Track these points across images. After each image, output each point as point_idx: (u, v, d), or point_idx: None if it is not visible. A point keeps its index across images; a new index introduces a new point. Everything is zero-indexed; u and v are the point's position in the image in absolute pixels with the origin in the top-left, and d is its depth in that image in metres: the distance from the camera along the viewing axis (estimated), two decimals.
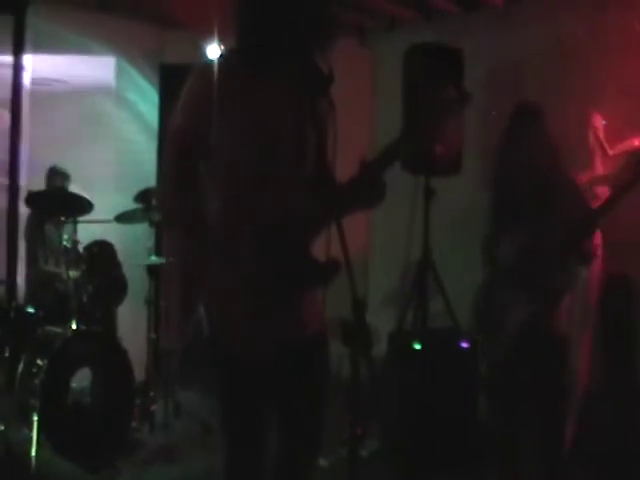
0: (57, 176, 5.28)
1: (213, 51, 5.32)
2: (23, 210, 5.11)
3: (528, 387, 3.35)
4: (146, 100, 6.17)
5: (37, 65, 5.58)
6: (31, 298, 5.05)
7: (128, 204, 4.98)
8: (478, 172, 4.59)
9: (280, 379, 2.25)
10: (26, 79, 5.53)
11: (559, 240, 3.22)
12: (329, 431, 2.35)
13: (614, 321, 4.48)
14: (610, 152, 4.25)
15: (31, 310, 4.67)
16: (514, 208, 3.37)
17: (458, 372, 4.36)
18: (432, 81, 4.17)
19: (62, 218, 4.81)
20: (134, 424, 4.59)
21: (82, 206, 4.76)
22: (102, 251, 5.00)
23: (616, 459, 4.01)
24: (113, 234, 5.20)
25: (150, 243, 5.09)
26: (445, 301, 4.42)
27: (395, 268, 5.40)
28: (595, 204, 3.52)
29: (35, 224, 5.22)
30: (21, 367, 4.33)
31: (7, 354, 4.35)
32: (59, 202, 4.79)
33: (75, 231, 4.69)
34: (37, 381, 4.15)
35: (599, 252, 4.30)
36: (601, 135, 4.30)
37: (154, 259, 5.02)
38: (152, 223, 4.93)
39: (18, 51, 5.45)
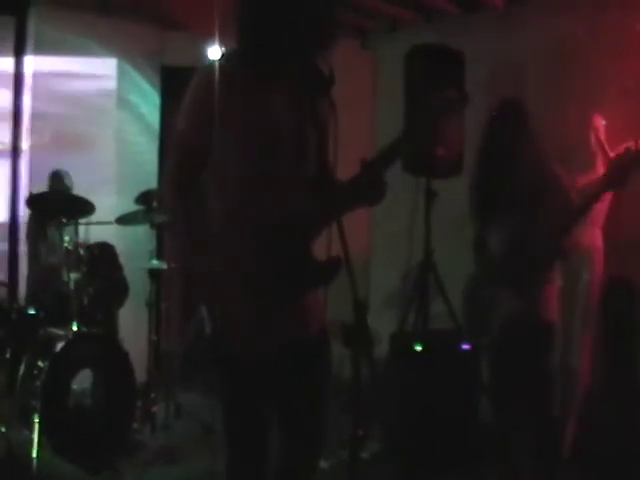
0: (60, 180, 5.27)
1: (214, 52, 5.32)
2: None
3: (518, 382, 3.37)
4: (147, 102, 6.17)
5: (38, 66, 5.58)
6: (32, 298, 5.06)
7: (129, 206, 4.98)
8: None
9: (281, 379, 2.25)
10: (27, 80, 5.54)
11: (542, 237, 3.24)
12: (330, 432, 2.35)
13: (615, 321, 4.48)
14: (611, 154, 4.25)
15: (32, 312, 4.66)
16: (498, 206, 3.41)
17: (459, 373, 4.35)
18: (433, 82, 4.17)
19: (63, 220, 4.81)
20: (135, 425, 4.58)
21: (83, 208, 4.76)
22: (103, 253, 4.99)
23: (617, 459, 4.01)
24: (114, 236, 5.20)
25: (151, 246, 5.09)
26: (446, 302, 4.42)
27: (396, 270, 5.40)
28: (596, 205, 3.53)
29: (36, 226, 5.22)
30: (22, 369, 4.33)
31: (8, 356, 4.35)
32: (60, 204, 4.79)
33: (76, 233, 4.69)
34: (38, 383, 4.15)
35: (600, 253, 4.31)
36: (602, 136, 4.30)
37: (155, 262, 5.02)
38: (153, 225, 4.93)
39: (19, 52, 5.46)
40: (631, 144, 3.23)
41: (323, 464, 3.31)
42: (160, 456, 4.41)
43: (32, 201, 4.80)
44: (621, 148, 3.43)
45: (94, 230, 5.04)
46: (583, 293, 4.29)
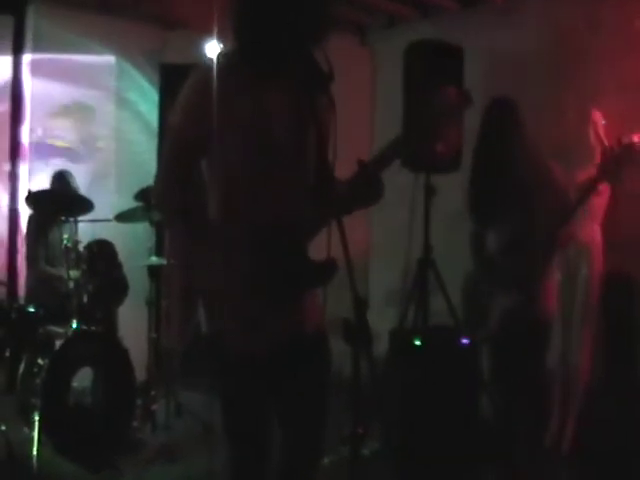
0: (64, 180, 5.26)
1: (213, 50, 5.31)
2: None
3: (517, 378, 3.38)
4: (146, 100, 6.17)
5: (37, 65, 5.58)
6: (32, 297, 5.06)
7: (128, 203, 4.98)
8: None
9: (279, 378, 2.25)
10: (26, 79, 5.54)
11: (539, 233, 3.25)
12: (330, 429, 2.35)
13: (615, 318, 4.48)
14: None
15: (32, 310, 4.67)
16: (495, 204, 3.42)
17: (459, 369, 4.35)
18: (432, 78, 4.17)
19: (62, 218, 4.81)
20: (135, 424, 4.59)
21: (82, 206, 4.76)
22: (102, 250, 4.99)
23: (617, 456, 4.01)
24: (113, 233, 5.20)
25: (151, 243, 5.09)
26: (446, 298, 4.42)
27: (396, 266, 5.39)
28: (596, 199, 3.54)
29: (36, 224, 5.21)
30: (22, 367, 4.34)
31: (8, 354, 4.36)
32: (59, 202, 4.79)
33: (76, 231, 4.69)
34: (38, 381, 4.15)
35: (599, 249, 4.31)
36: (601, 131, 4.30)
37: (155, 259, 5.01)
38: (152, 222, 4.92)
39: (18, 51, 5.46)
40: (625, 137, 3.24)
41: (323, 460, 3.31)
42: (160, 454, 4.40)
43: (31, 199, 4.79)
44: (625, 140, 3.44)
45: (93, 228, 5.03)
46: (582, 289, 4.29)
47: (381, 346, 4.40)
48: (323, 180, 2.29)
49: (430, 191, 4.50)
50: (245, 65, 2.17)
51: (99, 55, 5.92)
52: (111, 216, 5.02)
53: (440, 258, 4.53)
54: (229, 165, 2.17)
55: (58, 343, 4.26)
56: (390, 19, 6.27)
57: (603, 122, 4.34)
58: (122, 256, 5.17)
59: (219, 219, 2.20)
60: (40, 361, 4.23)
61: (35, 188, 4.99)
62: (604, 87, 4.64)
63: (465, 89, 2.27)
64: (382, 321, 4.21)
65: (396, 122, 4.40)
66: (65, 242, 4.60)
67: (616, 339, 4.50)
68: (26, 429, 4.14)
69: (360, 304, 1.94)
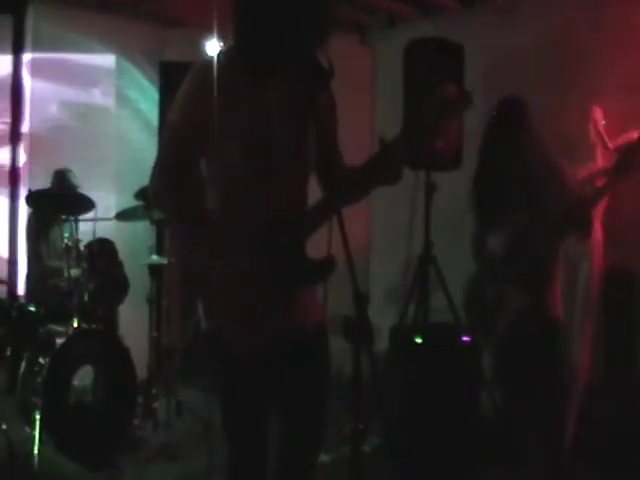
0: (64, 178, 5.25)
1: (212, 48, 5.31)
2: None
3: (524, 382, 3.35)
4: (146, 98, 6.17)
5: (37, 63, 5.58)
6: (33, 295, 5.06)
7: (129, 202, 4.98)
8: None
9: (278, 374, 2.24)
10: (26, 78, 5.55)
11: (548, 232, 3.22)
12: (331, 426, 2.35)
13: (615, 314, 4.47)
14: (610, 145, 4.26)
15: (33, 309, 4.67)
16: (502, 205, 3.37)
17: (460, 366, 4.35)
18: (432, 77, 4.16)
19: (63, 217, 4.81)
20: (136, 422, 4.59)
21: (83, 205, 4.76)
22: (103, 249, 4.99)
23: (617, 453, 4.01)
24: (114, 232, 5.20)
25: (151, 241, 5.09)
26: (446, 295, 4.42)
27: (396, 263, 5.40)
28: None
29: (37, 223, 5.21)
30: (23, 366, 4.34)
31: (9, 353, 4.36)
32: (60, 201, 4.79)
33: (76, 229, 4.69)
34: (39, 380, 4.15)
35: (600, 244, 4.31)
36: (601, 128, 4.30)
37: (155, 258, 5.01)
38: (153, 221, 4.92)
39: (18, 50, 5.46)
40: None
41: (324, 458, 3.32)
42: (161, 453, 4.41)
43: (32, 199, 4.79)
44: (632, 136, 3.42)
45: (94, 226, 5.04)
46: (583, 285, 4.29)
47: (381, 343, 4.40)
48: (332, 170, 2.31)
49: (431, 188, 4.50)
50: (245, 63, 2.16)
51: (99, 54, 5.93)
52: (111, 215, 5.02)
53: (440, 254, 4.53)
54: (228, 163, 2.16)
55: (59, 342, 4.26)
56: (391, 18, 6.27)
57: (603, 122, 4.34)
58: (122, 255, 5.17)
59: (218, 217, 2.20)
60: (41, 360, 4.24)
61: (35, 188, 4.99)
62: (605, 86, 4.64)
63: (466, 89, 2.26)
64: (382, 318, 4.22)
65: (397, 121, 4.40)
66: (66, 241, 4.60)
67: (616, 335, 4.49)
68: (27, 428, 4.15)
69: (361, 300, 1.93)
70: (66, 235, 4.64)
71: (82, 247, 4.80)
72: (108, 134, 6.03)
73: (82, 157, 5.61)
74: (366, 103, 6.43)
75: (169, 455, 4.39)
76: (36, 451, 3.97)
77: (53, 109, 5.74)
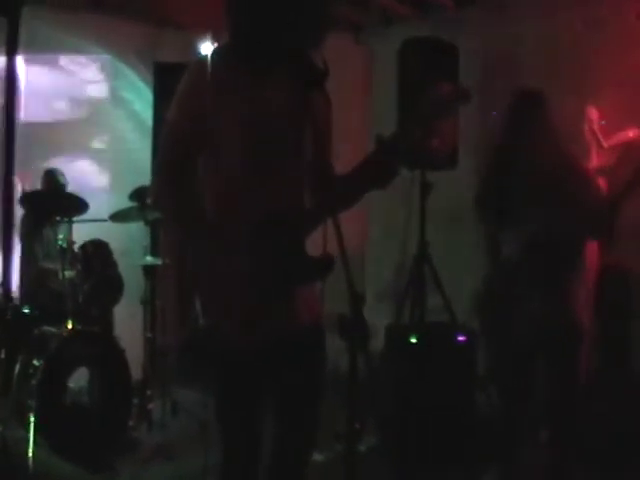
0: (54, 178, 5.25)
1: (207, 49, 5.31)
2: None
3: (539, 383, 3.30)
4: (140, 99, 6.17)
5: (31, 66, 5.57)
6: (27, 297, 5.04)
7: (123, 203, 4.96)
8: (474, 166, 4.58)
9: (274, 372, 2.24)
10: (21, 80, 5.53)
11: (570, 231, 3.15)
12: (325, 425, 2.34)
13: (611, 311, 4.47)
14: (605, 144, 4.26)
15: (27, 310, 4.66)
16: (517, 201, 3.24)
17: (455, 365, 4.35)
18: (427, 76, 4.17)
19: (57, 218, 4.80)
20: (131, 423, 4.58)
21: (77, 206, 4.75)
22: (97, 250, 4.98)
23: (612, 450, 4.01)
24: (108, 233, 5.18)
25: (146, 242, 5.07)
26: (442, 295, 4.42)
27: (392, 262, 5.40)
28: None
29: (31, 224, 5.20)
30: (18, 368, 4.32)
31: (3, 355, 4.33)
32: (54, 202, 4.78)
33: (70, 231, 4.68)
34: (34, 381, 4.14)
35: (595, 242, 4.29)
36: (596, 128, 4.31)
37: (150, 259, 5.00)
38: (147, 222, 4.91)
39: (12, 52, 5.44)
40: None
41: (318, 457, 3.31)
42: (157, 453, 4.40)
43: (26, 199, 4.78)
44: (627, 135, 3.37)
45: (88, 227, 5.02)
46: None
47: (377, 341, 4.40)
48: (323, 174, 2.30)
49: (426, 187, 4.50)
50: (241, 61, 2.16)
51: (93, 55, 5.92)
52: (106, 215, 5.01)
53: (436, 254, 4.53)
54: (225, 162, 2.16)
55: (54, 343, 4.25)
56: (386, 18, 6.27)
57: (603, 122, 4.34)
58: (117, 255, 5.16)
59: (216, 216, 2.19)
60: (36, 362, 4.22)
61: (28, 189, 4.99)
62: (601, 84, 4.64)
63: (463, 86, 2.25)
64: (378, 317, 4.21)
65: (392, 120, 4.41)
66: (60, 242, 4.59)
67: (611, 332, 4.49)
68: (22, 430, 4.12)
69: (357, 298, 1.92)
70: (60, 237, 4.63)
71: (76, 248, 4.78)
72: (102, 135, 6.01)
73: (76, 158, 5.59)
74: (361, 102, 6.42)
75: (165, 455, 4.38)
76: (31, 453, 3.95)
77: (47, 111, 5.72)
